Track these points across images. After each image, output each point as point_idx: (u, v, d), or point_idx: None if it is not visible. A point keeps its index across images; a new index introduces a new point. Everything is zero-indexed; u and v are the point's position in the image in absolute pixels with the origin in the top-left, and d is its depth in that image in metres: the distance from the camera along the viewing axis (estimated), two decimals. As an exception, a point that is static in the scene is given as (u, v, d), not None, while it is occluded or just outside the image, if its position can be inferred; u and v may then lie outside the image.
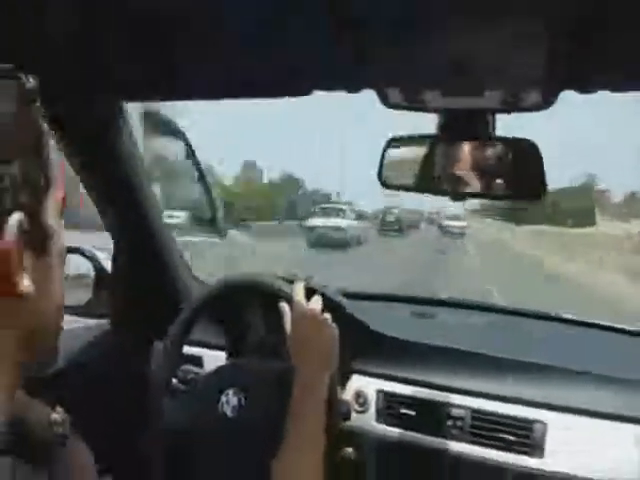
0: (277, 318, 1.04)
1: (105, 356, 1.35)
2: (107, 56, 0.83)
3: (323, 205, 21.96)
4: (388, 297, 1.62)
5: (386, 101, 0.85)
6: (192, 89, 0.98)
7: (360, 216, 21.22)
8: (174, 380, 1.22)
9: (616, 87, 0.76)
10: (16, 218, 0.44)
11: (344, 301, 1.29)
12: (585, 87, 0.76)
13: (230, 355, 1.30)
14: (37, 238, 0.47)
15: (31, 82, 0.47)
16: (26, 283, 0.45)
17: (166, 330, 1.20)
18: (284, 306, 1.03)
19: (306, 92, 0.90)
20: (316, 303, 0.99)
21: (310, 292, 1.03)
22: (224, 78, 0.93)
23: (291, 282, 1.09)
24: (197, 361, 1.34)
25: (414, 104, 0.84)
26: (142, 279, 1.38)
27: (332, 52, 0.74)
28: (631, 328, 1.37)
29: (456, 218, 30.37)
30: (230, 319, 1.31)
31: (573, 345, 1.36)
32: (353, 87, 0.83)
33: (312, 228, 18.26)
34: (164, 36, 0.75)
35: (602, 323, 1.41)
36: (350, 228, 18.19)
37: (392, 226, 27.19)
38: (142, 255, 1.36)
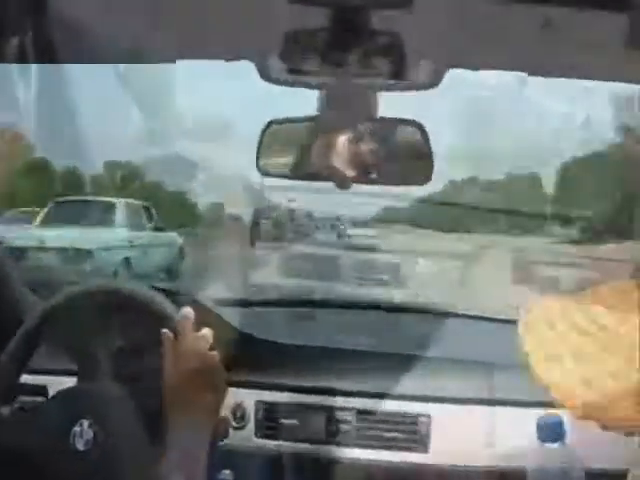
0: (145, 333, 0.92)
1: None
2: None
3: None
4: (267, 302, 1.56)
5: (266, 75, 0.78)
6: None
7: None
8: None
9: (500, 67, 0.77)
10: None
11: (220, 309, 1.19)
12: (472, 66, 0.76)
13: (82, 379, 1.12)
14: None
15: None
16: None
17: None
18: (166, 334, 0.90)
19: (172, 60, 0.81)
20: (206, 336, 0.89)
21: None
22: None
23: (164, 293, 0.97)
24: (41, 391, 1.15)
25: (296, 78, 0.77)
26: None
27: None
28: (502, 317, 1.44)
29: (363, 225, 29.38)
30: (83, 335, 1.13)
31: (451, 336, 1.39)
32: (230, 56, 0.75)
33: None
34: None
35: (479, 314, 1.47)
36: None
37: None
38: None
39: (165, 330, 0.90)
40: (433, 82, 0.78)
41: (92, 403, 0.95)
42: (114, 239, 9.09)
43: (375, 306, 1.57)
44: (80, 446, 0.92)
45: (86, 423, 0.92)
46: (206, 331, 0.90)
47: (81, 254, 8.92)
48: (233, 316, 1.21)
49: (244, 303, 1.48)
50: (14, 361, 0.99)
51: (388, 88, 0.80)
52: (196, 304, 0.97)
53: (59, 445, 0.92)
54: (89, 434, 0.92)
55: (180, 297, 1.07)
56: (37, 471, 0.93)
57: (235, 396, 1.12)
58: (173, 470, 0.83)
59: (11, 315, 1.20)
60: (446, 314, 1.49)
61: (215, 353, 0.91)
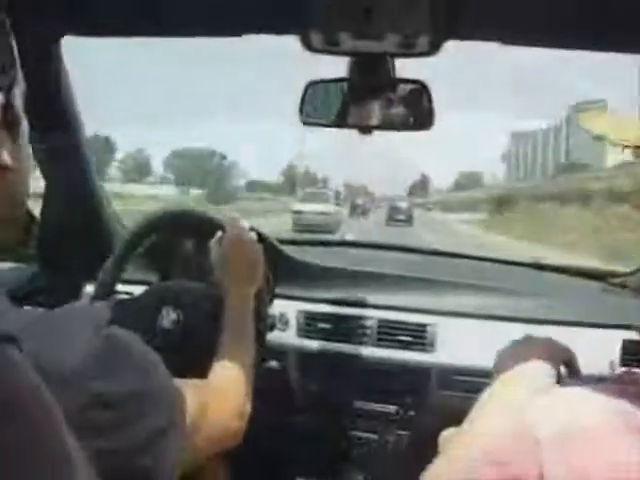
0: (205, 244, 1.20)
1: (35, 295, 1.44)
2: None
3: (308, 190, 24.10)
4: (306, 242, 1.84)
5: (309, 45, 1.06)
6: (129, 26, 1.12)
7: (338, 198, 23.29)
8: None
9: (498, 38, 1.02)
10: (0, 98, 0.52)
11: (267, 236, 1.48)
12: (466, 37, 1.02)
13: (161, 281, 1.44)
14: (11, 121, 0.56)
15: None
16: (6, 157, 0.54)
17: (94, 274, 1.32)
18: (218, 232, 1.15)
19: (237, 33, 1.09)
20: (244, 228, 1.14)
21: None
22: (159, 15, 1.07)
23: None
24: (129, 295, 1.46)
25: (331, 47, 1.06)
26: (71, 223, 1.47)
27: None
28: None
29: (400, 199, 35.40)
30: (161, 250, 1.44)
31: (462, 269, 1.66)
32: (281, 30, 1.04)
33: (299, 212, 18.82)
34: None
35: (491, 256, 1.74)
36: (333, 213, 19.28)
37: (360, 208, 34.41)
38: (72, 199, 1.45)
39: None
40: (433, 49, 1.05)
41: (173, 293, 1.22)
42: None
43: (395, 247, 1.85)
44: (167, 325, 1.23)
45: (170, 307, 1.22)
46: (245, 223, 1.14)
47: (325, 213, 18.01)
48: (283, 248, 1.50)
49: (290, 241, 1.78)
50: (112, 274, 1.26)
51: (400, 54, 1.08)
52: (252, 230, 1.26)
53: (151, 324, 1.23)
54: (173, 316, 1.23)
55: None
56: None
57: (280, 306, 1.42)
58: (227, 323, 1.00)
59: (107, 240, 1.55)
60: (464, 256, 1.77)
61: (254, 235, 1.12)
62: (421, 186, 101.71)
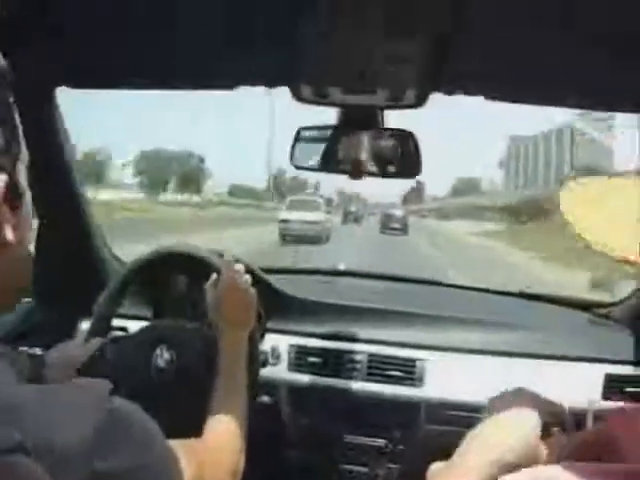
0: (199, 282, 1.23)
1: (32, 332, 1.46)
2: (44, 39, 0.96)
3: (296, 198, 21.33)
4: (296, 270, 1.88)
5: (298, 96, 1.10)
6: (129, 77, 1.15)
7: (329, 205, 22.91)
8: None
9: (479, 92, 1.06)
10: (3, 179, 0.53)
11: (258, 270, 1.52)
12: (450, 92, 1.06)
13: (155, 318, 1.47)
14: (14, 196, 0.56)
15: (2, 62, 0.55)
16: (9, 233, 0.55)
17: (89, 308, 1.34)
18: (213, 275, 1.18)
19: (230, 86, 1.13)
20: (239, 272, 1.16)
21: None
22: (153, 68, 1.11)
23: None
24: (124, 331, 1.49)
25: (320, 99, 1.10)
26: (65, 257, 1.51)
27: (255, 52, 0.97)
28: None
29: (393, 207, 35.50)
30: (156, 287, 1.48)
31: (450, 300, 1.71)
32: (272, 83, 1.08)
33: (285, 221, 17.71)
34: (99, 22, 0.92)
35: (478, 286, 1.78)
36: (323, 221, 18.21)
37: (353, 216, 34.41)
38: (66, 233, 1.48)
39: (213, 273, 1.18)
40: (420, 102, 1.10)
41: (168, 333, 1.24)
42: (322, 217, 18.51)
43: (386, 277, 1.89)
44: (161, 364, 1.26)
45: (165, 347, 1.24)
46: (240, 267, 1.16)
47: (313, 223, 17.33)
48: (273, 280, 1.54)
49: (280, 270, 1.82)
50: (107, 310, 1.30)
51: (389, 107, 1.13)
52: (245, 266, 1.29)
53: (146, 363, 1.26)
54: (167, 356, 1.25)
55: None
56: (129, 382, 1.26)
57: (272, 340, 1.45)
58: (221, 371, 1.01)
59: (101, 274, 1.58)
60: (452, 286, 1.81)
61: (248, 278, 1.14)
62: (416, 193, 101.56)
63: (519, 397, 0.82)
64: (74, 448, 0.50)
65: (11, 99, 0.56)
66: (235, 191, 74.59)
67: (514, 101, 1.10)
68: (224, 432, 0.89)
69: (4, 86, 0.55)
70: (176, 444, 0.65)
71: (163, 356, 1.24)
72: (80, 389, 0.57)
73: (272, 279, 1.54)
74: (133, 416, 0.60)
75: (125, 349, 1.32)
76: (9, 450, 0.40)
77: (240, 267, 1.20)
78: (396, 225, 27.78)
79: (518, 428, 0.73)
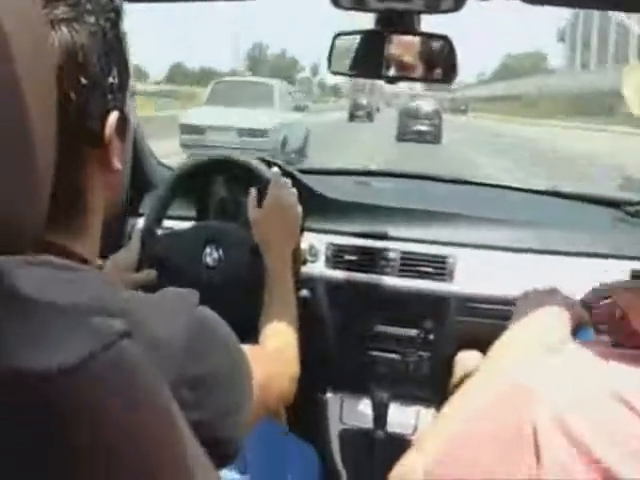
0: (245, 190, 1.32)
1: None
2: None
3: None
4: (333, 171, 1.96)
5: (336, 2, 1.13)
6: None
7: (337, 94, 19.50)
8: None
9: None
10: (116, 114, 0.59)
11: (301, 175, 1.61)
12: None
13: (197, 220, 1.59)
14: (123, 128, 0.62)
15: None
16: (117, 163, 0.61)
17: (136, 209, 1.44)
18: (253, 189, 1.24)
19: None
20: (287, 186, 1.22)
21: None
22: None
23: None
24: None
25: (358, 5, 1.13)
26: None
27: None
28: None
29: (418, 97, 26.14)
30: (201, 190, 1.58)
31: (480, 198, 1.79)
32: None
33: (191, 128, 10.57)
34: None
35: (510, 185, 1.85)
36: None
37: (364, 111, 28.06)
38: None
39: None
40: (458, 6, 1.12)
41: (218, 232, 1.34)
42: (276, 119, 10.47)
43: (420, 176, 1.96)
44: (210, 262, 1.38)
45: (214, 246, 1.33)
46: (287, 181, 1.23)
47: (257, 133, 10.02)
48: (311, 181, 1.64)
49: (315, 171, 1.91)
50: (158, 214, 1.39)
51: (426, 11, 1.15)
52: (283, 170, 1.38)
53: (196, 261, 1.38)
54: (216, 254, 1.36)
55: (273, 166, 1.48)
56: (178, 278, 1.39)
57: (310, 239, 1.57)
58: (271, 285, 1.06)
59: (150, 180, 1.69)
60: (483, 184, 1.89)
61: (295, 192, 1.20)
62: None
63: (551, 296, 0.88)
64: (170, 347, 0.53)
65: (123, 36, 0.61)
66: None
67: (560, 4, 1.11)
68: (282, 343, 0.95)
69: (118, 24, 0.60)
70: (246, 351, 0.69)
71: (212, 254, 1.35)
72: (173, 296, 0.61)
73: (308, 179, 1.63)
74: (219, 327, 0.64)
75: (174, 246, 1.41)
76: (119, 335, 0.41)
77: (287, 181, 1.27)
78: (423, 127, 19.87)
79: (550, 328, 0.79)
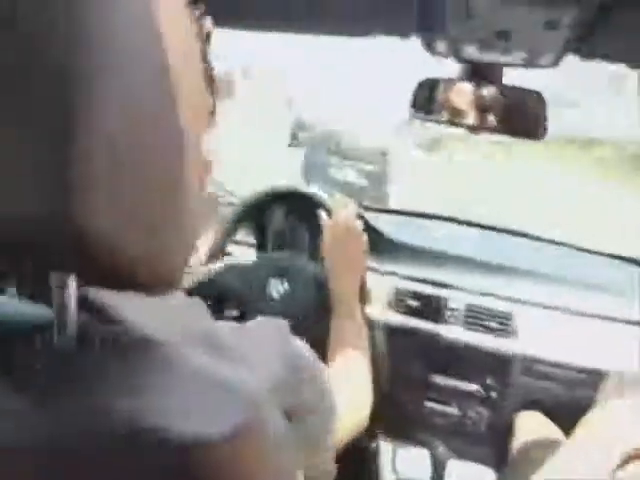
0: (306, 220, 1.35)
1: None
2: None
3: None
4: (397, 212, 1.98)
5: (432, 50, 1.16)
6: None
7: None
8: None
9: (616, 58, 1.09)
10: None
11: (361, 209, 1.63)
12: (588, 56, 1.10)
13: (258, 249, 1.62)
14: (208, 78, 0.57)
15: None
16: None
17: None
18: (323, 214, 1.30)
19: (365, 34, 1.20)
20: (351, 213, 1.24)
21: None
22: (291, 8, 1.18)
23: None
24: (229, 255, 1.65)
25: (454, 55, 1.16)
26: None
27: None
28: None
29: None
30: (262, 219, 1.62)
31: (547, 255, 1.78)
32: (406, 33, 1.14)
33: None
34: None
35: (576, 244, 1.84)
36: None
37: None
38: None
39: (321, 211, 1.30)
40: (556, 63, 1.13)
41: (284, 265, 1.37)
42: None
43: (485, 226, 1.96)
44: (275, 295, 1.41)
45: (278, 279, 1.38)
46: (352, 207, 1.23)
47: None
48: (373, 220, 1.65)
49: (381, 210, 1.93)
50: (222, 243, 1.47)
51: (521, 65, 1.17)
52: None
53: (260, 293, 1.41)
54: (280, 287, 1.40)
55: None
56: (243, 308, 1.41)
57: (371, 280, 1.57)
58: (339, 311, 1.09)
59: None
60: (550, 241, 1.87)
61: (359, 223, 1.19)
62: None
63: (635, 386, 0.89)
64: (268, 383, 0.52)
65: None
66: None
67: None
68: (354, 366, 0.96)
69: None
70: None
71: (277, 287, 1.38)
72: (268, 329, 0.60)
73: (371, 217, 1.65)
74: (311, 361, 0.64)
75: (242, 279, 1.46)
76: (260, 402, 0.40)
77: (352, 207, 1.30)
78: None
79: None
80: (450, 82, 1.28)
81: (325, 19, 1.20)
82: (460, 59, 1.17)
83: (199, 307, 0.56)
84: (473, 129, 1.31)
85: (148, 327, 0.45)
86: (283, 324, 0.63)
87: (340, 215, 1.21)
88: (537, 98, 1.22)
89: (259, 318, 0.64)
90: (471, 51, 1.12)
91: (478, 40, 1.07)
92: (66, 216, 0.31)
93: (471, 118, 1.28)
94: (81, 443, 0.33)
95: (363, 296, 1.25)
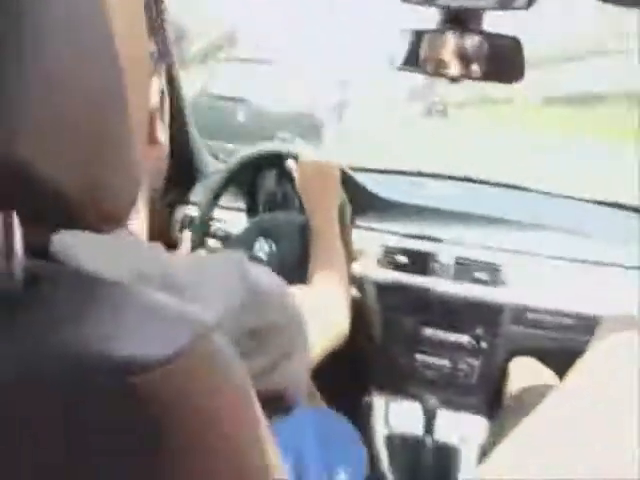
0: (289, 176, 1.35)
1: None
2: None
3: None
4: (386, 171, 1.98)
5: (404, -2, 1.15)
6: None
7: None
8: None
9: None
10: (158, 82, 0.62)
11: (352, 173, 1.63)
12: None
13: (249, 213, 1.63)
14: (162, 98, 0.64)
15: None
16: (160, 134, 0.64)
17: (185, 198, 1.48)
18: (291, 162, 1.30)
19: None
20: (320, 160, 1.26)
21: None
22: None
23: None
24: (219, 221, 1.66)
25: (428, 1, 1.14)
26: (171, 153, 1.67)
27: None
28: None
29: None
30: (246, 183, 1.63)
31: (533, 205, 1.78)
32: None
33: None
34: None
35: (561, 192, 1.83)
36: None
37: None
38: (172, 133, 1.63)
39: (289, 160, 1.30)
40: (530, 4, 1.12)
41: (266, 225, 1.39)
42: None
43: (474, 180, 1.95)
44: (262, 256, 1.42)
45: (263, 239, 1.38)
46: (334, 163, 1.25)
47: None
48: (364, 179, 1.65)
49: (372, 170, 1.93)
50: (209, 206, 1.46)
51: (496, 8, 1.16)
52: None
53: (248, 254, 1.42)
54: (267, 247, 1.40)
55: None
56: None
57: (361, 238, 1.58)
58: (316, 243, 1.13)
59: (200, 169, 1.75)
60: (536, 191, 1.87)
61: (331, 162, 1.23)
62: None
63: (628, 326, 0.89)
64: (230, 309, 0.59)
65: (164, 7, 0.65)
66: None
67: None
68: (332, 287, 1.01)
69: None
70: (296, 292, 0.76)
71: (263, 248, 1.40)
72: (222, 261, 0.66)
73: (361, 177, 1.65)
74: (272, 284, 0.70)
75: (227, 243, 1.50)
76: (210, 327, 0.40)
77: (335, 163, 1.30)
78: None
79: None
80: (433, 33, 1.26)
81: None
82: (436, 5, 1.16)
83: (157, 249, 0.59)
84: (454, 79, 1.30)
85: (99, 268, 0.46)
86: (240, 255, 0.68)
87: (307, 156, 1.25)
88: (515, 43, 1.21)
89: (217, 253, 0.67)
90: (441, -2, 1.11)
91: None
92: (3, 151, 0.31)
93: (455, 68, 1.27)
94: (27, 375, 0.35)
95: (344, 231, 1.27)
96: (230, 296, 0.60)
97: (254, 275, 0.66)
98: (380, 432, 1.54)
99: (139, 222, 0.67)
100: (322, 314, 0.89)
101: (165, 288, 0.52)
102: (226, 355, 0.41)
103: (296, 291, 0.79)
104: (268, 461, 0.44)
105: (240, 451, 0.42)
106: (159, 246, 0.60)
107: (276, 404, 0.66)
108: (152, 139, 0.64)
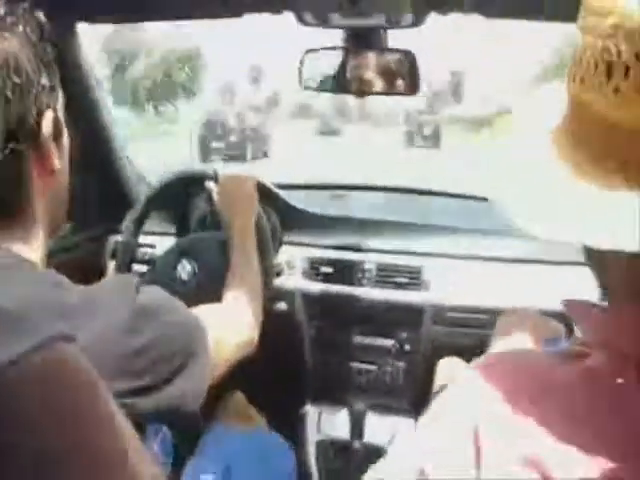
0: (209, 194, 1.39)
1: (66, 251, 1.65)
2: None
3: None
4: (309, 186, 2.03)
5: (302, 21, 1.21)
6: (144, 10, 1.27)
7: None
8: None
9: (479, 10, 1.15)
10: (50, 115, 0.66)
11: (274, 187, 1.68)
12: (446, 11, 1.16)
13: (178, 235, 1.66)
14: (57, 129, 0.68)
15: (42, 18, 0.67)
16: (55, 162, 0.68)
17: (116, 227, 1.49)
18: (209, 182, 1.35)
19: (239, 14, 1.24)
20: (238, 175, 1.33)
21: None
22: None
23: None
24: (152, 247, 1.69)
25: (323, 23, 1.21)
26: (93, 177, 1.68)
27: None
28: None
29: None
30: (175, 207, 1.65)
31: (452, 209, 1.86)
32: (277, 10, 1.19)
33: None
34: None
35: (476, 195, 1.92)
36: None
37: None
38: (92, 153, 1.64)
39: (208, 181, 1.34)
40: (418, 22, 1.20)
41: (188, 245, 1.40)
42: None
43: (393, 189, 2.03)
44: (184, 276, 1.43)
45: (185, 259, 1.41)
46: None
47: None
48: (287, 195, 1.70)
49: (295, 186, 1.98)
50: (134, 229, 1.45)
51: (388, 27, 1.23)
52: (259, 184, 1.45)
53: (171, 276, 1.44)
54: (189, 267, 1.42)
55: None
56: None
57: (287, 252, 1.63)
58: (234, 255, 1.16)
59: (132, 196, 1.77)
60: (453, 195, 1.96)
61: (248, 176, 1.31)
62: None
63: (522, 321, 0.97)
64: (112, 333, 0.64)
65: (51, 46, 0.68)
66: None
67: (511, 17, 1.19)
68: (241, 293, 1.04)
69: (45, 36, 0.67)
70: (199, 311, 0.82)
71: (185, 268, 1.41)
72: (112, 288, 0.70)
73: (284, 194, 1.70)
74: (160, 305, 0.74)
75: (153, 268, 1.50)
76: (57, 337, 0.46)
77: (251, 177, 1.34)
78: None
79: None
80: (348, 52, 1.33)
81: (196, 3, 1.24)
82: (329, 27, 1.23)
83: (54, 279, 0.64)
84: (360, 94, 1.37)
85: None
86: (129, 277, 0.75)
87: (223, 177, 1.31)
88: (413, 57, 1.29)
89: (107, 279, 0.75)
90: (336, 18, 1.18)
91: (337, 5, 1.13)
92: None
93: (379, 85, 1.34)
94: None
95: (262, 244, 1.29)
96: (113, 320, 0.65)
97: (141, 297, 0.71)
98: (312, 439, 1.58)
99: (35, 252, 0.70)
100: (228, 326, 0.93)
101: (55, 313, 0.58)
102: (70, 362, 0.47)
103: (201, 307, 0.85)
104: (122, 446, 0.49)
105: (88, 437, 0.46)
106: (57, 276, 0.64)
107: (178, 415, 0.72)
108: (48, 168, 0.67)
